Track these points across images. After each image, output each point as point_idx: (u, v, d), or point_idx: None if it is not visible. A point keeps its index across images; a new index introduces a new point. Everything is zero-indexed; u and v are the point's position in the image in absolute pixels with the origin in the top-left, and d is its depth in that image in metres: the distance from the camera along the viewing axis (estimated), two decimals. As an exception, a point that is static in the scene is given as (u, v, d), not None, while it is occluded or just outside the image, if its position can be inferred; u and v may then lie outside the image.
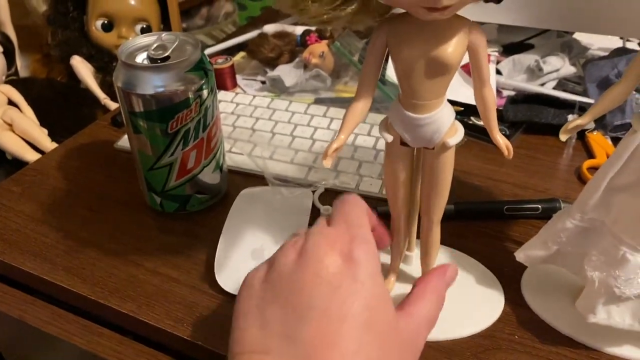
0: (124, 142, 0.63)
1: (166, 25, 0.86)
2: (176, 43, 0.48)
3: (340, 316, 0.28)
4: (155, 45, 0.48)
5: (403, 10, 0.32)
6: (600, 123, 0.62)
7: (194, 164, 0.50)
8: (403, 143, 0.37)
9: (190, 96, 0.47)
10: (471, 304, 0.44)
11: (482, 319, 0.43)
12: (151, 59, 0.47)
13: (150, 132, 0.48)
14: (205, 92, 0.48)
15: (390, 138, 0.37)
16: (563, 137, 0.38)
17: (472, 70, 0.35)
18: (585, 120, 0.37)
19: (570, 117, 0.62)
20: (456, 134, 0.36)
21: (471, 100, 0.64)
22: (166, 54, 0.47)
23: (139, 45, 0.48)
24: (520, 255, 0.43)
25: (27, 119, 0.72)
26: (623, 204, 0.37)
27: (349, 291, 0.29)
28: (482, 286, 0.45)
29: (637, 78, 0.36)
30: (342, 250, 0.31)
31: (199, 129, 0.49)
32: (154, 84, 0.46)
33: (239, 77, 0.75)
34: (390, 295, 0.35)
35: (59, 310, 0.46)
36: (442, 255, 0.44)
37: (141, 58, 0.47)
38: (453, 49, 0.32)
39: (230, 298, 0.44)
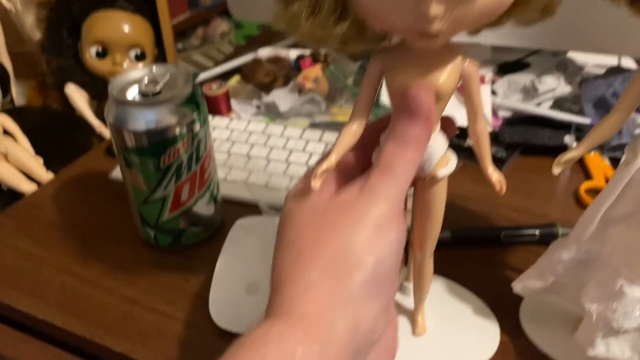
0: (118, 172, 0.62)
1: (160, 50, 0.86)
2: (167, 76, 0.48)
3: None
4: (146, 80, 0.48)
5: (399, 39, 0.32)
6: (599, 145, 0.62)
7: (187, 196, 0.50)
8: None
9: (182, 130, 0.46)
10: (466, 337, 0.43)
11: (478, 353, 0.42)
12: (143, 94, 0.47)
13: (143, 166, 0.47)
14: (197, 126, 0.48)
15: None
16: (556, 170, 0.37)
17: (465, 102, 0.35)
18: (579, 153, 0.37)
19: (566, 137, 0.62)
20: (448, 165, 0.36)
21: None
22: (158, 89, 0.47)
23: (130, 80, 0.48)
24: (517, 286, 0.43)
25: (22, 149, 0.71)
26: (619, 235, 0.37)
27: (360, 214, 0.29)
28: (477, 319, 0.44)
29: (629, 109, 0.35)
30: (362, 183, 0.30)
31: (192, 162, 0.48)
32: (145, 119, 0.45)
33: (234, 102, 0.75)
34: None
35: (53, 349, 0.46)
36: (435, 286, 0.44)
37: (132, 93, 0.47)
38: (446, 77, 0.32)
39: (225, 333, 0.44)
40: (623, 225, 0.37)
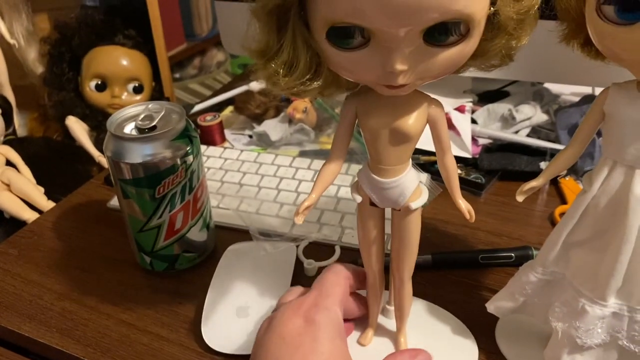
0: (115, 201, 0.65)
1: (158, 82, 0.90)
2: (162, 112, 0.51)
3: None
4: (142, 116, 0.51)
5: None
6: (572, 168, 0.65)
7: (181, 224, 0.53)
8: (372, 203, 0.39)
9: (176, 163, 0.50)
10: (446, 356, 0.45)
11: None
12: (139, 129, 0.50)
13: (139, 197, 0.50)
14: (190, 158, 0.51)
15: (359, 199, 0.39)
16: (519, 198, 0.40)
17: (433, 141, 0.38)
18: (539, 182, 0.40)
19: (542, 164, 0.65)
20: (420, 198, 0.39)
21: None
22: (153, 124, 0.50)
23: (127, 116, 0.51)
24: (490, 306, 0.45)
25: (24, 179, 0.74)
26: (579, 258, 0.40)
27: (309, 349, 0.32)
28: (456, 339, 0.47)
29: (584, 142, 0.39)
30: (305, 314, 0.34)
31: (185, 192, 0.51)
32: (141, 153, 0.49)
33: (227, 132, 0.79)
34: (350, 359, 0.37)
35: (53, 372, 0.48)
36: (415, 307, 0.46)
37: (129, 128, 0.50)
38: (413, 121, 0.35)
39: (217, 355, 0.46)
40: (582, 249, 0.39)
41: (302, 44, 0.30)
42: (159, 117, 0.51)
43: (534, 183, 0.40)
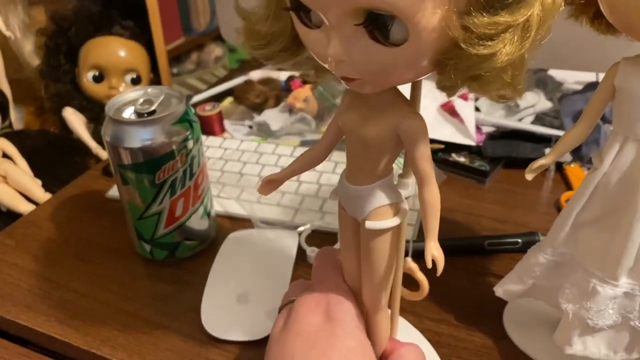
0: (114, 191, 0.64)
1: (156, 74, 0.89)
2: (162, 97, 0.50)
3: None
4: (141, 100, 0.50)
5: None
6: (577, 155, 0.64)
7: (181, 211, 0.52)
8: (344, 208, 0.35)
9: (176, 148, 0.49)
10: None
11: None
12: (138, 114, 0.49)
13: (139, 183, 0.49)
14: (190, 143, 0.50)
15: (334, 198, 0.36)
16: (529, 176, 0.39)
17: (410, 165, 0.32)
18: (548, 160, 0.39)
19: (547, 150, 0.64)
20: (384, 221, 0.32)
21: (451, 139, 0.67)
22: (152, 108, 0.49)
23: (126, 100, 0.51)
24: (499, 290, 0.44)
25: (21, 171, 0.73)
26: (589, 237, 0.39)
27: (327, 344, 0.31)
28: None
29: (593, 119, 0.38)
30: (321, 310, 0.33)
31: (186, 178, 0.50)
32: (141, 137, 0.48)
33: (227, 122, 0.78)
34: (371, 348, 0.34)
35: (52, 362, 0.47)
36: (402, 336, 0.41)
37: (128, 113, 0.49)
38: (374, 131, 0.30)
39: (218, 342, 0.45)
40: (593, 228, 0.39)
41: (282, 15, 0.29)
42: (159, 101, 0.50)
43: (543, 161, 0.39)
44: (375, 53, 0.26)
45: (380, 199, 0.32)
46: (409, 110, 0.30)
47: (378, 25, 0.25)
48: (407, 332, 0.46)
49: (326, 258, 0.38)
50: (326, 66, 0.29)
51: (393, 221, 0.32)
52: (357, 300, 0.36)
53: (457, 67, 0.26)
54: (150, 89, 0.51)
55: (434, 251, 0.31)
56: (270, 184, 0.35)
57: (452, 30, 0.24)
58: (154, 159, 0.48)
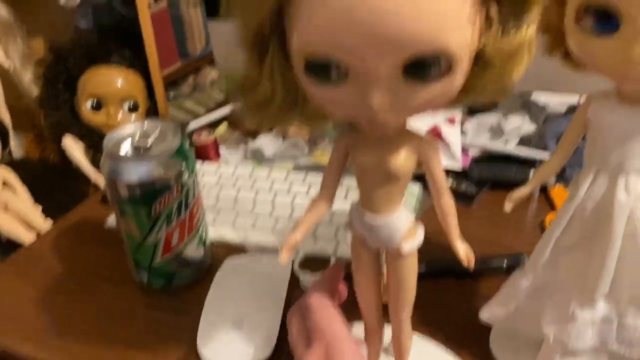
0: (112, 220, 0.66)
1: (153, 101, 0.91)
2: (158, 131, 0.52)
3: None
4: (138, 135, 0.52)
5: None
6: (561, 176, 0.66)
7: (177, 241, 0.53)
8: (364, 243, 0.38)
9: (172, 181, 0.50)
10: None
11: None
12: (135, 148, 0.51)
13: (136, 215, 0.51)
14: (185, 175, 0.52)
15: (354, 231, 0.38)
16: (508, 206, 0.41)
17: (428, 180, 0.36)
18: (527, 191, 0.41)
19: (531, 172, 0.66)
20: (413, 239, 0.36)
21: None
22: (149, 143, 0.51)
23: (123, 135, 0.52)
24: (484, 314, 0.46)
25: (22, 200, 0.75)
26: (569, 262, 0.41)
27: None
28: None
29: (569, 150, 0.40)
30: None
31: (181, 209, 0.52)
32: (137, 172, 0.49)
33: (222, 148, 0.80)
34: None
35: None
36: (417, 348, 0.44)
37: (125, 147, 0.51)
38: (402, 161, 0.33)
39: (216, 369, 0.47)
40: (572, 254, 0.40)
41: (279, 77, 0.29)
42: (155, 135, 0.52)
43: (522, 191, 0.41)
44: (418, 93, 0.28)
45: (408, 220, 0.36)
46: (419, 135, 0.34)
47: (421, 68, 0.27)
48: (430, 349, 0.48)
49: (322, 300, 0.39)
50: (344, 115, 0.31)
51: (421, 234, 0.37)
52: (367, 332, 0.40)
53: (485, 86, 0.30)
54: (146, 123, 0.53)
55: (465, 249, 0.37)
56: (292, 249, 0.36)
57: (489, 55, 0.28)
58: (150, 192, 0.50)
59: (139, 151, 0.50)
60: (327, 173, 0.37)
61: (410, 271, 0.38)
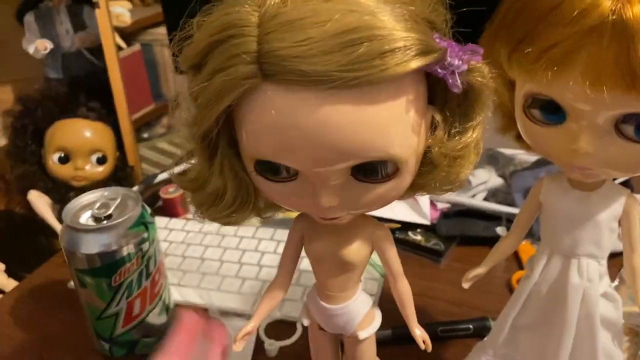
0: (76, 282, 0.65)
1: (122, 152, 0.91)
2: (118, 200, 0.52)
3: None
4: (98, 204, 0.51)
5: None
6: (529, 233, 0.66)
7: (139, 310, 0.52)
8: (322, 328, 0.38)
9: (132, 251, 0.50)
10: None
11: None
12: (95, 218, 0.50)
13: (96, 285, 0.50)
14: (146, 245, 0.51)
15: (307, 322, 0.38)
16: (465, 285, 0.41)
17: (383, 265, 0.37)
18: (483, 270, 0.41)
19: (498, 229, 0.66)
20: (371, 325, 0.37)
21: (407, 218, 0.68)
22: (109, 212, 0.50)
23: (83, 204, 0.52)
24: (447, 387, 0.46)
25: (-16, 258, 0.74)
26: (527, 341, 0.41)
27: None
28: None
29: (523, 230, 0.40)
30: None
31: (142, 279, 0.51)
32: (98, 243, 0.49)
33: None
34: None
35: None
36: None
37: (85, 217, 0.51)
38: (357, 248, 0.34)
39: None
40: (529, 332, 0.40)
41: (230, 173, 0.30)
42: (115, 204, 0.51)
43: (478, 270, 0.41)
44: (367, 192, 0.28)
45: (365, 305, 0.36)
46: (373, 221, 0.35)
47: (369, 171, 0.28)
48: None
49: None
50: (296, 209, 0.32)
51: (378, 319, 0.37)
52: None
53: (434, 184, 0.31)
54: (107, 192, 0.53)
55: (422, 334, 0.38)
56: (246, 338, 0.36)
57: (435, 158, 0.29)
58: (110, 263, 0.49)
59: (100, 221, 0.50)
60: (284, 258, 0.37)
61: (368, 354, 0.38)
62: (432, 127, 0.29)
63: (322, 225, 0.34)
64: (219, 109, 0.27)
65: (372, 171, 0.27)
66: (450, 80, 0.26)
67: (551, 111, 0.33)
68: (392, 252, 0.35)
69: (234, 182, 0.30)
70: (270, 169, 0.28)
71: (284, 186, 0.29)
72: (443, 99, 0.29)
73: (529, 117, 0.34)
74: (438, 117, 0.28)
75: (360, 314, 0.36)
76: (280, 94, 0.25)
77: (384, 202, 0.30)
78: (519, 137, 0.39)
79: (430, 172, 0.30)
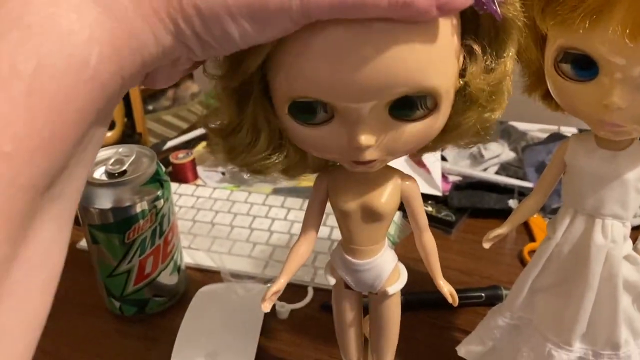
0: (84, 242, 0.64)
1: (130, 118, 0.90)
2: (133, 156, 0.51)
3: None
4: (112, 160, 0.51)
5: None
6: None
7: (151, 269, 0.52)
8: (348, 286, 0.37)
9: (146, 207, 0.49)
10: None
11: None
12: (109, 174, 0.50)
13: (108, 242, 0.50)
14: (161, 202, 0.51)
15: (333, 281, 0.37)
16: (486, 245, 0.41)
17: (409, 218, 0.36)
18: (504, 230, 0.40)
19: (510, 201, 0.66)
20: (398, 281, 0.37)
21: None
22: (123, 168, 0.50)
23: (97, 160, 0.51)
24: (461, 350, 0.46)
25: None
26: (545, 303, 0.40)
27: None
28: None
29: (546, 192, 0.40)
30: None
31: (155, 237, 0.51)
32: (111, 198, 0.48)
33: (200, 169, 0.78)
34: None
35: None
36: None
37: (99, 172, 0.50)
38: (386, 199, 0.33)
39: (187, 404, 0.46)
40: (548, 295, 0.40)
41: (263, 120, 0.29)
42: (129, 161, 0.51)
43: (499, 231, 0.40)
44: (405, 131, 0.28)
45: (392, 260, 0.36)
46: (400, 172, 0.34)
47: (408, 107, 0.27)
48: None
49: None
50: (329, 157, 0.31)
51: (404, 274, 0.37)
52: None
53: (469, 124, 0.30)
54: (121, 149, 0.52)
55: (449, 287, 0.37)
56: (275, 298, 0.35)
57: (474, 92, 0.29)
58: (123, 219, 0.49)
59: (113, 177, 0.49)
60: (308, 215, 0.36)
61: (394, 314, 0.38)
62: (471, 58, 0.29)
63: (349, 178, 0.33)
64: (266, 50, 0.26)
65: (410, 107, 0.27)
66: (494, 7, 0.25)
67: (583, 67, 0.32)
68: (419, 203, 0.35)
69: (267, 127, 0.30)
70: (306, 109, 0.28)
71: (319, 130, 0.28)
72: (473, 33, 0.28)
73: (559, 73, 0.34)
74: (477, 47, 0.28)
75: (389, 269, 0.36)
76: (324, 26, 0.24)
77: (419, 142, 0.30)
78: (545, 97, 0.39)
79: (466, 111, 0.30)
